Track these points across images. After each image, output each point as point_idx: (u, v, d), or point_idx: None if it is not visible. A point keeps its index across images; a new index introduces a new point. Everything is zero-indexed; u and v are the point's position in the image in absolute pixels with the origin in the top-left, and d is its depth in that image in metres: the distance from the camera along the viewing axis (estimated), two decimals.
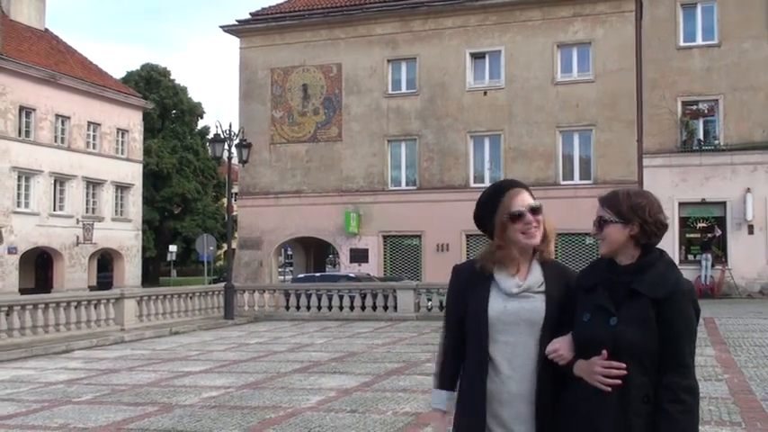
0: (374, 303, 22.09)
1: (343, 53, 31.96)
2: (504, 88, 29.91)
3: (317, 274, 28.96)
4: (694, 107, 28.08)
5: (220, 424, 7.94)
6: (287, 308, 23.04)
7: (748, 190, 26.98)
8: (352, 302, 22.22)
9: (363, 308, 22.08)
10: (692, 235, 28.04)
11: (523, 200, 2.84)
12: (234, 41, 35.27)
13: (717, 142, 27.67)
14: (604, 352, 2.61)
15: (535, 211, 2.83)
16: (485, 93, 30.17)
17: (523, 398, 2.78)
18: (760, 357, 11.89)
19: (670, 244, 25.21)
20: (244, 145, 23.63)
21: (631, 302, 2.66)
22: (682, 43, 28.09)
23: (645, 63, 28.26)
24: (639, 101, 28.31)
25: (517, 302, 2.82)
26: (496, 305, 2.82)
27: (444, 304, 3.02)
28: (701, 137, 27.97)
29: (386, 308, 21.97)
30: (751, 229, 27.14)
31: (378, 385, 10.24)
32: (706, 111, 27.97)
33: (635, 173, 27.98)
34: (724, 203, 27.47)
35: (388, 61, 31.52)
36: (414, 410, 8.38)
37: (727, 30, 27.59)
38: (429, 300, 22.23)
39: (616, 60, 28.56)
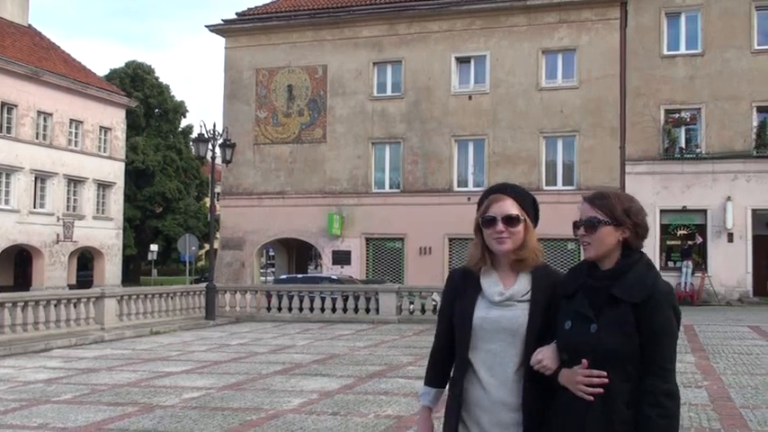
0: (356, 306, 22.08)
1: (328, 55, 31.94)
2: (488, 93, 30.01)
3: (299, 276, 28.91)
4: (677, 115, 28.30)
5: (201, 425, 7.90)
6: (268, 309, 22.96)
7: (729, 198, 27.22)
8: (334, 304, 22.19)
9: (345, 310, 22.05)
10: (672, 242, 28.26)
11: (501, 207, 2.86)
12: (219, 41, 35.14)
13: (698, 150, 27.91)
14: (584, 361, 2.61)
15: (510, 220, 2.84)
16: (469, 97, 30.26)
17: (504, 405, 2.80)
18: (739, 365, 11.99)
19: (651, 251, 25.40)
20: (227, 145, 23.55)
21: (611, 308, 2.64)
22: (665, 52, 28.32)
23: (629, 70, 28.46)
24: (623, 108, 28.50)
25: (499, 311, 2.84)
26: (479, 312, 2.85)
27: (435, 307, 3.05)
28: (683, 145, 28.20)
29: (368, 310, 21.95)
30: (731, 237, 27.39)
31: (359, 388, 10.23)
32: (688, 119, 28.20)
33: (617, 179, 28.17)
34: (705, 211, 27.71)
35: (374, 64, 31.54)
36: (396, 413, 8.38)
37: (710, 39, 27.85)
38: (411, 303, 22.26)
39: (600, 67, 28.74)
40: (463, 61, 30.63)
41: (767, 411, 8.28)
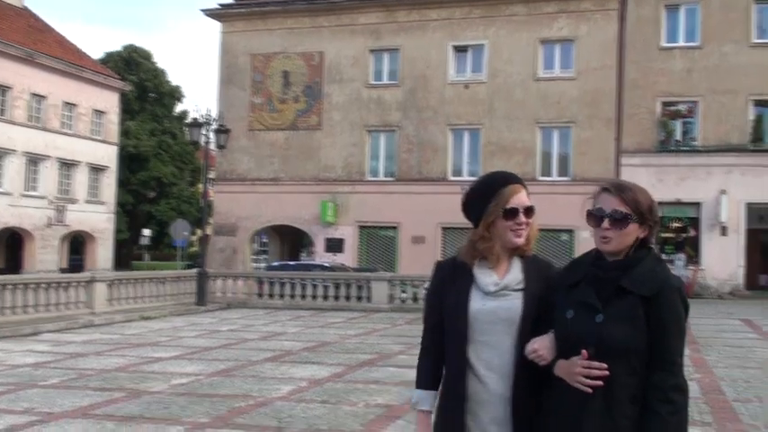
0: (348, 294, 22.02)
1: (325, 41, 31.76)
2: (485, 82, 29.89)
3: (292, 263, 28.82)
4: (673, 108, 28.24)
5: (189, 412, 7.81)
6: (260, 296, 22.88)
7: (723, 191, 27.19)
8: (325, 292, 22.12)
9: (337, 298, 22.00)
10: (666, 234, 28.24)
11: (521, 199, 2.76)
12: (216, 26, 34.89)
13: (694, 143, 27.86)
14: (584, 352, 2.51)
15: (529, 212, 2.76)
16: (466, 86, 30.13)
17: (502, 398, 2.70)
18: (731, 358, 11.95)
19: None
20: (222, 130, 23.40)
21: (619, 300, 2.55)
22: (664, 44, 28.23)
23: (627, 62, 28.37)
24: (620, 100, 28.42)
25: (495, 301, 2.74)
26: (475, 304, 2.74)
27: (424, 300, 2.92)
28: (679, 137, 28.14)
29: (359, 298, 21.89)
30: (724, 231, 27.38)
31: (350, 376, 10.16)
32: (685, 112, 28.13)
33: (612, 171, 28.10)
34: (699, 204, 27.67)
35: (371, 51, 31.38)
36: (386, 402, 8.30)
37: (709, 32, 27.75)
38: (403, 292, 22.20)
39: (598, 58, 28.64)
40: (461, 50, 30.48)
41: (759, 405, 8.23)
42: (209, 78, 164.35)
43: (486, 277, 2.76)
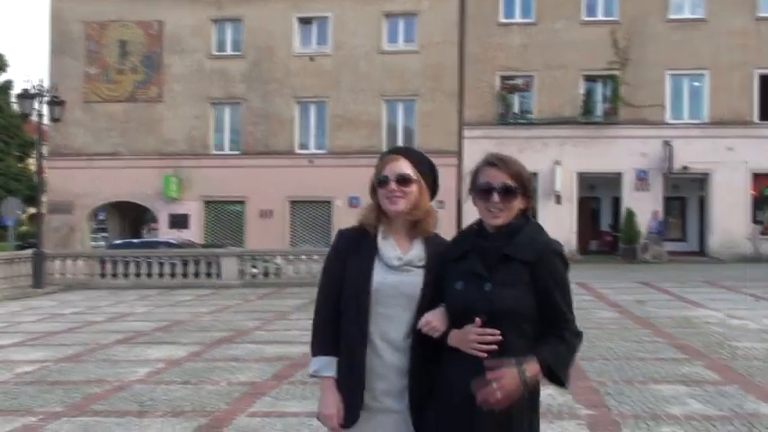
0: (197, 270, 21.53)
1: (164, 10, 30.55)
2: (331, 55, 29.86)
3: (136, 241, 27.80)
4: (511, 82, 29.38)
5: (40, 401, 7.39)
6: (102, 276, 21.93)
7: (557, 162, 28.65)
8: (173, 269, 21.52)
9: (185, 275, 21.46)
10: None
11: (394, 167, 2.83)
12: None
13: (530, 116, 29.16)
14: (478, 319, 2.61)
15: (402, 180, 2.81)
16: (311, 58, 29.97)
17: (396, 370, 2.76)
18: None
19: None
20: (56, 102, 22.07)
21: (504, 267, 2.67)
22: (502, 20, 29.24)
23: (467, 37, 29.18)
24: (461, 73, 29.22)
25: (397, 276, 2.79)
26: (377, 276, 2.79)
27: (323, 266, 2.93)
28: (517, 110, 29.35)
29: (209, 275, 21.46)
30: (558, 199, 28.89)
31: (208, 355, 9.96)
32: (522, 86, 29.35)
33: (456, 143, 28.94)
34: (535, 174, 28.98)
35: (213, 21, 30.51)
36: (249, 380, 8.21)
37: (542, 9, 29.01)
38: (254, 267, 21.96)
39: (441, 32, 29.26)
40: (305, 22, 30.23)
41: (603, 363, 8.80)
42: (39, 47, 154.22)
43: (389, 251, 2.82)
